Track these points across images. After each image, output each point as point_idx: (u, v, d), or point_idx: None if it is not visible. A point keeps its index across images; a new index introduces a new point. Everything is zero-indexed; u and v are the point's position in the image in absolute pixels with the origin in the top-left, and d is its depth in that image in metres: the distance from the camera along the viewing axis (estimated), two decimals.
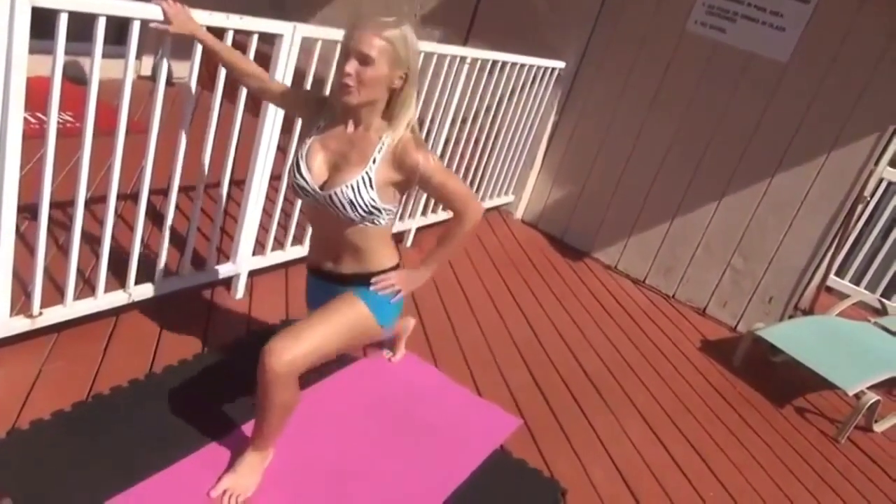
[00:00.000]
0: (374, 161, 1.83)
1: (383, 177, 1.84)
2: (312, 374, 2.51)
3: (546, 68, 4.39)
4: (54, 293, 2.29)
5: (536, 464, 2.51)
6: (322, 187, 1.87)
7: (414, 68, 1.82)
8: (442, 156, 3.85)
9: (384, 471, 2.23)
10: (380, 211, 1.87)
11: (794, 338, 3.73)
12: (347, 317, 1.93)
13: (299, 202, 2.72)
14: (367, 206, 1.83)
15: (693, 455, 2.91)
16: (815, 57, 3.90)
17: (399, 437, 2.40)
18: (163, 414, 2.15)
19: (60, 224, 2.79)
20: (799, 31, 3.92)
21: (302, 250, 3.10)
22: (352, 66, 1.74)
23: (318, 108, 1.98)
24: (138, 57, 4.60)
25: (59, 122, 2.00)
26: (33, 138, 2.11)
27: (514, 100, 4.34)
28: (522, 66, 4.13)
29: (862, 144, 3.86)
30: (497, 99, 4.17)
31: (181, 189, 2.49)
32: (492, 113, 4.27)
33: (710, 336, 4.16)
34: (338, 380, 2.59)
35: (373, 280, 1.97)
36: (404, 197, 2.09)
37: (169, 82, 2.32)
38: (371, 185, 1.82)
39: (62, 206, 2.75)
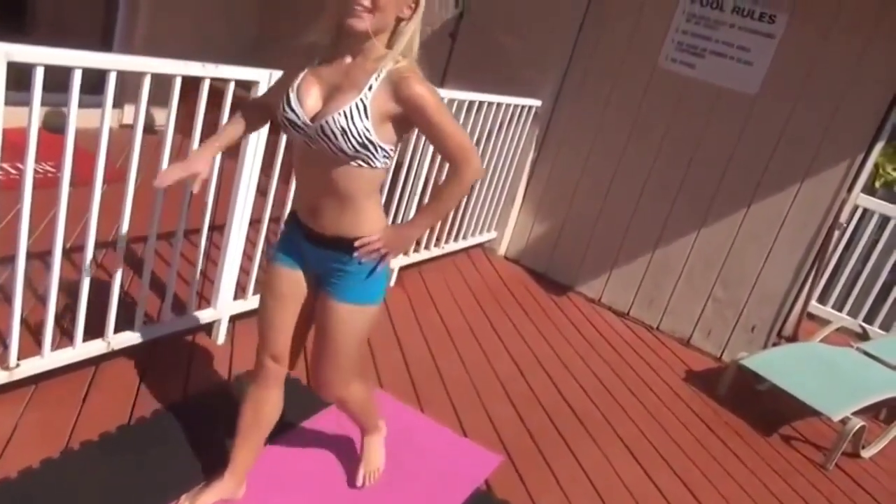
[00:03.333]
0: (369, 88, 1.67)
1: (379, 107, 1.67)
2: (290, 417, 2.51)
3: (523, 106, 4.47)
4: (33, 344, 2.28)
5: (521, 502, 2.50)
6: (313, 120, 1.72)
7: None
8: (422, 197, 3.89)
9: None
10: (374, 147, 1.70)
11: (777, 366, 3.75)
12: (351, 326, 1.91)
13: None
14: (360, 135, 1.67)
15: (679, 485, 2.90)
16: (782, 89, 4.00)
17: (376, 483, 2.37)
18: (139, 465, 2.12)
19: (40, 274, 2.79)
20: (766, 64, 4.03)
21: None
22: None
23: (308, 53, 1.82)
24: (120, 106, 4.69)
25: (40, 172, 2.01)
26: (12, 189, 2.13)
27: (494, 138, 4.41)
28: (500, 105, 4.21)
29: (833, 172, 3.94)
30: (479, 139, 4.24)
31: (161, 236, 2.51)
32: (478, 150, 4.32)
33: (694, 367, 4.17)
34: (314, 424, 2.57)
35: (357, 244, 1.81)
36: (400, 144, 1.85)
37: (150, 130, 2.35)
38: (366, 114, 1.67)
39: (41, 256, 2.75)
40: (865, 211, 5.02)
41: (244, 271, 2.94)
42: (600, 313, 4.60)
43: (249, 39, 5.65)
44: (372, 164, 1.74)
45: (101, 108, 2.11)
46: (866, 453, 3.58)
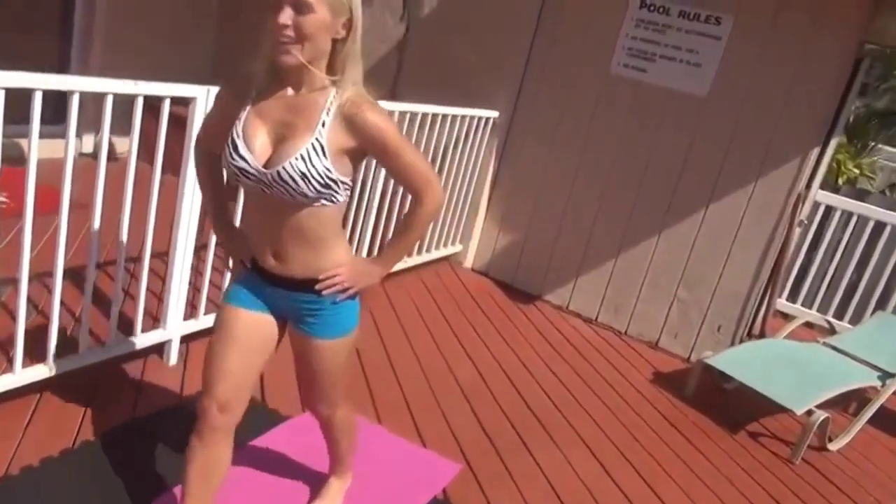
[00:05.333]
0: (322, 125, 1.58)
1: (336, 142, 1.60)
2: (243, 435, 2.48)
3: (480, 118, 4.51)
4: None
5: None
6: (266, 165, 1.61)
7: (357, 15, 1.59)
8: (380, 210, 3.90)
9: None
10: (336, 184, 1.63)
11: (741, 363, 3.76)
12: (335, 358, 1.87)
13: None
14: (322, 176, 1.59)
15: (639, 482, 2.90)
16: (732, 89, 4.06)
17: None
18: (80, 490, 2.10)
19: None
20: (714, 66, 4.09)
21: None
22: (287, 16, 1.50)
23: (244, 86, 1.69)
24: (79, 135, 4.69)
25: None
26: None
27: (453, 151, 4.44)
28: (455, 117, 4.24)
29: (786, 170, 3.99)
30: (436, 153, 4.27)
31: (107, 261, 2.50)
32: (435, 166, 4.35)
33: (662, 368, 4.17)
34: (269, 439, 2.55)
35: (321, 277, 1.73)
36: (360, 171, 1.80)
37: (112, 157, 2.37)
38: (324, 153, 1.58)
39: None
40: (829, 208, 5.06)
41: (196, 289, 2.93)
42: (567, 320, 4.60)
43: (206, 62, 5.66)
44: (334, 200, 1.67)
45: (66, 133, 2.11)
46: (834, 446, 3.58)
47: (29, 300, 2.81)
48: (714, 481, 3.04)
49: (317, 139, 1.58)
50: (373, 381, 3.17)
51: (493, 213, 4.95)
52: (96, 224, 2.40)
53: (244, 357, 1.82)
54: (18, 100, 2.02)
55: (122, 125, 2.38)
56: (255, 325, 1.83)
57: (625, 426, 3.35)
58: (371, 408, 2.95)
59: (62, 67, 5.10)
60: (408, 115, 3.77)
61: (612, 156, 4.46)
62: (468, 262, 5.05)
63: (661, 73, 4.25)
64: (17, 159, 2.34)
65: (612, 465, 2.96)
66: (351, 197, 3.60)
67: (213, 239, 2.88)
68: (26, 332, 2.61)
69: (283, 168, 1.58)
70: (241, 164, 1.63)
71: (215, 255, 2.93)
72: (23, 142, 2.27)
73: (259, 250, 1.77)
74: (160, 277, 3.10)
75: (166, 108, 2.45)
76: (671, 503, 2.79)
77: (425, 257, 4.59)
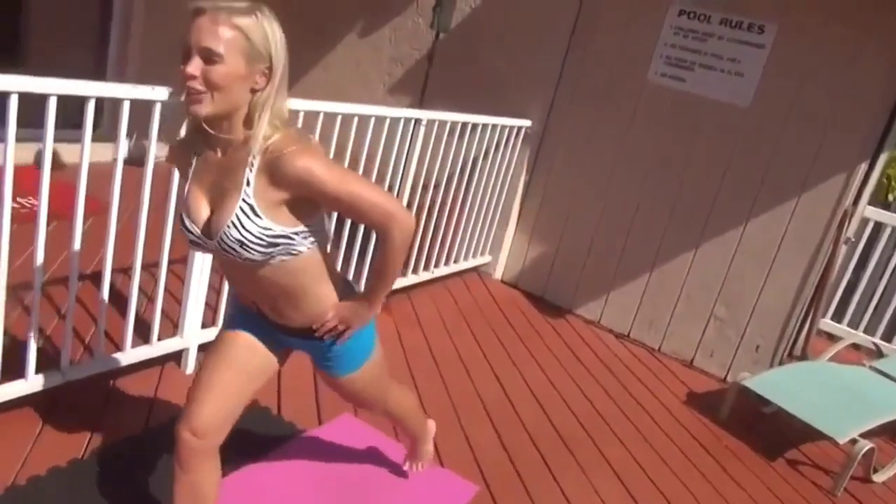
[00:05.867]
0: (247, 183, 1.46)
1: (267, 199, 1.47)
2: (254, 448, 2.43)
3: (511, 127, 4.41)
4: None
5: None
6: (209, 235, 1.54)
7: (278, 61, 1.46)
8: None
9: None
10: (287, 237, 1.50)
11: (780, 386, 3.58)
12: (362, 384, 1.91)
13: None
14: (261, 239, 1.47)
15: None
16: (775, 100, 3.89)
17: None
18: (88, 501, 2.05)
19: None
20: (757, 75, 3.92)
21: None
22: (195, 67, 1.39)
23: (187, 148, 1.62)
24: (113, 140, 4.72)
25: (22, 206, 2.02)
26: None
27: (485, 161, 4.35)
28: (485, 126, 4.15)
29: (831, 185, 3.80)
30: (466, 162, 4.18)
31: (124, 268, 2.47)
32: (465, 175, 4.27)
33: (697, 389, 4.01)
34: (282, 454, 2.48)
35: (315, 326, 1.68)
36: (324, 212, 1.65)
37: (139, 163, 2.37)
38: (256, 213, 1.47)
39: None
40: (878, 225, 4.83)
41: (216, 291, 2.89)
42: (599, 335, 4.46)
43: None
44: (296, 251, 1.54)
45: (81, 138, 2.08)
46: (879, 477, 3.38)
47: (45, 305, 2.84)
48: None
49: (243, 200, 1.47)
50: None
51: (524, 224, 4.84)
52: (112, 229, 2.36)
53: (234, 383, 1.74)
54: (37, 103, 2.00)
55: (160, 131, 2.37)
56: (253, 350, 1.78)
57: (655, 451, 3.20)
58: (389, 425, 2.86)
59: (97, 70, 5.15)
60: (437, 123, 3.70)
61: (648, 166, 4.32)
62: (498, 274, 4.95)
63: (701, 83, 4.10)
64: (53, 164, 2.34)
65: (640, 494, 2.81)
66: None
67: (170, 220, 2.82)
68: (41, 337, 2.60)
69: (222, 239, 1.50)
70: (188, 235, 1.57)
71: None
72: (59, 147, 2.26)
73: (259, 304, 1.71)
74: (179, 284, 3.07)
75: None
76: None
77: (453, 268, 4.50)
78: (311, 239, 1.57)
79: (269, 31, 1.44)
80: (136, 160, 2.45)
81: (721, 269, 4.16)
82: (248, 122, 1.48)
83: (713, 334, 4.23)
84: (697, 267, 4.23)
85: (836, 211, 3.81)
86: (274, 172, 1.45)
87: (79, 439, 2.31)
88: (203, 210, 1.55)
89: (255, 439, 2.49)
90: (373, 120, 3.21)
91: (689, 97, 4.14)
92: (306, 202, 1.51)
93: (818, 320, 4.36)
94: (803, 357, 4.28)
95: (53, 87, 1.96)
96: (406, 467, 2.50)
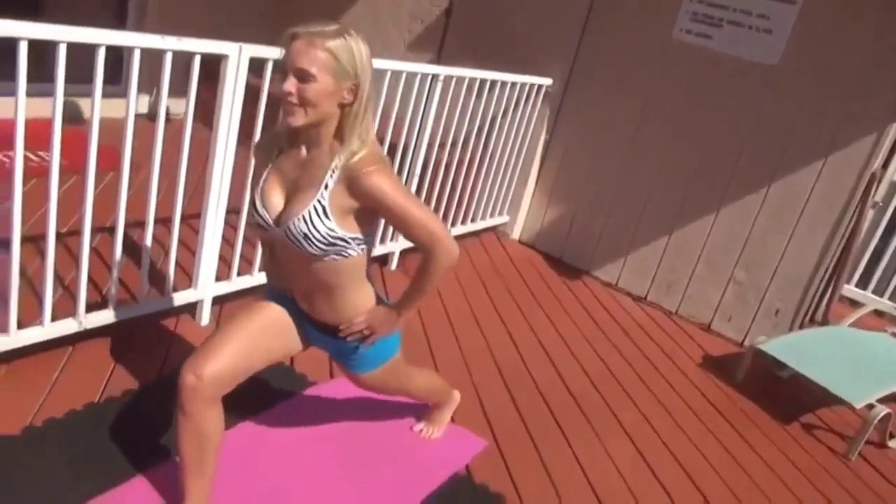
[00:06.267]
0: (325, 187, 1.64)
1: (339, 203, 1.65)
2: (264, 398, 2.46)
3: (532, 85, 4.33)
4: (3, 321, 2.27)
5: (503, 487, 2.38)
6: (278, 221, 1.71)
7: (364, 79, 1.62)
8: (422, 179, 3.79)
9: (333, 496, 2.13)
10: (344, 241, 1.68)
11: (798, 350, 3.54)
12: (384, 381, 2.10)
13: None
14: (325, 238, 1.65)
15: (682, 477, 2.74)
16: (804, 58, 3.77)
17: (353, 463, 2.30)
18: (100, 443, 2.09)
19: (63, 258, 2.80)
20: (786, 32, 3.80)
21: None
22: (291, 84, 1.57)
23: (271, 143, 1.81)
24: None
25: (42, 160, 2.06)
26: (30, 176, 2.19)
27: (504, 119, 4.29)
28: (505, 83, 4.07)
29: (859, 147, 3.69)
30: (485, 120, 4.13)
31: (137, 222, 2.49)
32: (483, 134, 4.22)
33: (713, 352, 3.97)
34: (291, 405, 2.51)
35: (342, 327, 1.85)
36: (379, 224, 1.90)
37: (167, 119, 2.39)
38: (326, 214, 1.64)
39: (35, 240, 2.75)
40: None
41: (229, 245, 2.90)
42: (616, 298, 4.43)
43: (264, 14, 5.58)
44: (347, 254, 1.72)
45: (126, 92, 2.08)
46: (895, 443, 3.34)
47: (64, 256, 2.87)
48: (761, 476, 2.87)
49: (318, 201, 1.65)
50: (406, 351, 3.09)
51: (543, 184, 4.78)
52: (124, 182, 2.37)
53: (250, 349, 1.82)
54: (76, 59, 2.04)
55: (180, 88, 2.39)
56: (280, 326, 1.90)
57: (669, 414, 3.18)
58: None
59: (119, 18, 5.15)
60: (454, 79, 3.63)
61: (671, 127, 4.23)
62: (515, 234, 4.92)
63: (728, 40, 3.97)
64: (75, 119, 2.36)
65: (653, 457, 2.80)
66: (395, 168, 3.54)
67: (246, 203, 2.84)
68: (59, 286, 2.64)
69: (288, 227, 1.67)
70: (259, 219, 1.75)
71: (248, 222, 2.90)
72: (81, 101, 2.26)
73: (294, 293, 1.87)
74: (194, 237, 3.09)
75: (196, 64, 2.39)
76: (714, 500, 2.63)
77: (470, 227, 4.47)
78: (363, 246, 1.75)
79: (356, 51, 1.60)
80: (155, 116, 2.43)
81: (742, 231, 4.09)
82: (338, 134, 1.66)
83: (732, 298, 4.18)
84: (718, 229, 4.16)
85: (863, 174, 3.71)
86: (352, 185, 1.64)
87: (94, 385, 2.35)
88: (276, 199, 1.72)
89: (265, 390, 2.52)
90: (388, 74, 3.17)
91: (714, 55, 4.02)
92: (369, 214, 1.70)
93: (841, 286, 4.28)
94: (824, 323, 4.21)
95: (62, 34, 1.95)
96: (418, 428, 2.53)
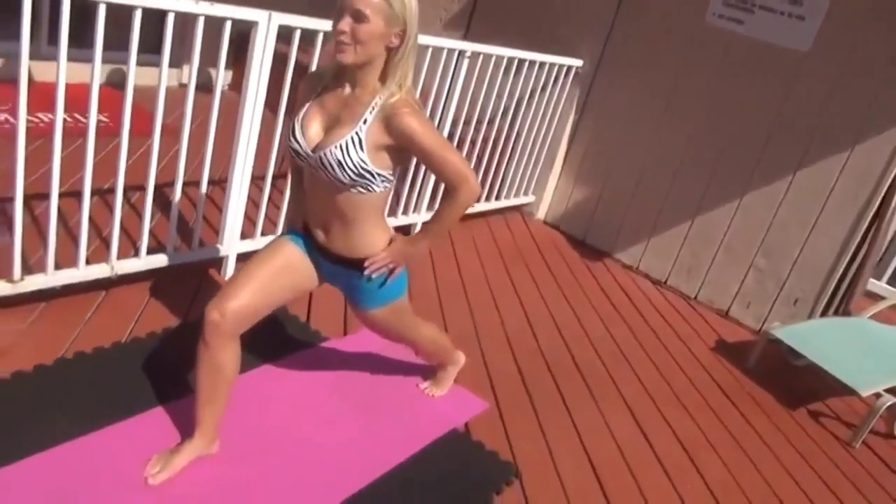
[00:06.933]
0: (364, 122, 1.79)
1: (374, 139, 1.79)
2: (277, 350, 2.61)
3: (562, 66, 4.37)
4: (42, 262, 2.46)
5: (499, 446, 2.48)
6: (314, 150, 1.84)
7: (411, 27, 1.76)
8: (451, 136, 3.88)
9: (330, 441, 2.27)
10: (372, 175, 1.82)
11: (810, 338, 3.55)
12: (388, 322, 2.19)
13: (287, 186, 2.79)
14: (356, 167, 1.79)
15: (678, 450, 2.81)
16: (836, 46, 3.74)
17: (355, 411, 2.44)
18: (124, 378, 2.27)
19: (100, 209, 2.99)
20: (819, 19, 3.77)
21: None
22: (346, 24, 1.71)
23: (315, 80, 1.95)
24: (179, 66, 4.91)
25: (96, 122, 2.30)
26: (74, 135, 2.42)
27: (532, 99, 4.35)
28: (533, 63, 4.13)
29: (888, 136, 3.66)
30: (513, 99, 4.19)
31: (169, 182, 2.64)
32: (511, 112, 4.29)
33: (728, 338, 4.00)
34: (302, 358, 2.66)
35: (366, 264, 1.97)
36: (407, 166, 2.01)
37: (206, 89, 2.56)
38: (361, 147, 1.78)
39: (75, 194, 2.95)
40: None
41: (254, 204, 3.05)
42: (636, 280, 4.47)
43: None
44: (371, 189, 1.86)
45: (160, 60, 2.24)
46: None
47: (101, 208, 3.07)
48: (760, 456, 2.91)
49: (356, 133, 1.78)
50: (418, 312, 3.20)
51: (570, 165, 4.83)
52: (156, 145, 2.53)
53: (270, 285, 1.96)
54: (121, 27, 2.23)
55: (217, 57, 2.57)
56: (296, 264, 2.04)
57: (674, 392, 3.24)
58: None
59: None
60: (481, 56, 3.71)
61: (699, 112, 4.24)
62: (540, 214, 4.99)
63: (760, 26, 3.96)
64: (119, 84, 2.54)
65: (652, 431, 2.87)
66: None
67: (272, 166, 2.99)
68: (96, 237, 2.83)
69: (324, 154, 1.80)
70: (295, 146, 1.87)
71: (272, 186, 3.05)
72: (125, 67, 2.43)
73: (313, 224, 2.01)
74: (222, 196, 3.25)
75: (227, 29, 2.53)
76: (710, 476, 2.69)
77: (495, 205, 4.56)
78: (386, 184, 1.89)
79: (407, 1, 1.74)
80: (198, 85, 2.60)
81: (765, 219, 4.09)
82: (382, 73, 1.81)
83: (752, 285, 4.19)
84: (741, 216, 4.17)
85: (891, 163, 3.67)
86: (388, 123, 1.78)
87: (122, 327, 2.54)
88: (314, 128, 1.86)
89: (280, 342, 2.67)
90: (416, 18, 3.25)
91: (745, 40, 4.01)
92: (400, 153, 1.85)
93: (866, 279, 4.24)
94: (845, 314, 4.19)
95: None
96: (423, 386, 2.66)
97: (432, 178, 3.83)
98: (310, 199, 1.99)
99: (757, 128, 4.04)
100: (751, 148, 4.07)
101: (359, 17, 1.70)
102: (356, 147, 1.78)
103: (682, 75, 4.27)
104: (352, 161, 1.78)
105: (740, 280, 4.22)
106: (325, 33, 2.72)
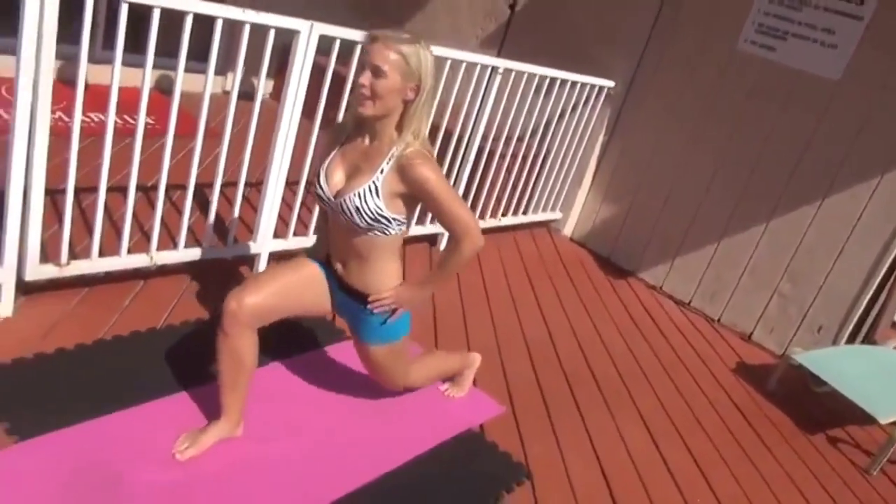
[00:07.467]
0: (381, 171, 1.92)
1: (390, 187, 1.93)
2: (305, 346, 2.72)
3: (593, 86, 4.46)
4: (88, 250, 2.61)
5: (512, 448, 2.55)
6: (336, 196, 1.99)
7: (426, 82, 1.89)
8: (474, 167, 3.99)
9: (351, 432, 2.36)
10: (387, 220, 1.96)
11: (831, 363, 3.55)
12: (384, 360, 2.27)
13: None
14: (372, 213, 1.93)
15: (690, 464, 2.84)
16: (867, 75, 3.77)
17: (374, 406, 2.52)
18: (157, 360, 2.40)
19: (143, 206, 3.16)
20: (851, 48, 3.81)
21: None
22: (366, 78, 1.85)
23: (338, 132, 2.10)
24: (223, 73, 5.11)
25: (149, 124, 2.50)
26: (122, 135, 2.60)
27: (563, 118, 4.44)
28: (565, 81, 4.22)
29: None
30: (543, 116, 4.28)
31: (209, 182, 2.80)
32: (541, 130, 4.38)
33: (749, 361, 4.01)
34: (328, 353, 2.76)
35: (370, 299, 2.09)
36: (416, 211, 2.19)
37: (248, 97, 2.76)
38: (377, 194, 1.92)
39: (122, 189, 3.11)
40: None
41: (288, 206, 3.18)
42: (659, 300, 4.51)
43: (354, 5, 5.85)
44: (386, 232, 2.00)
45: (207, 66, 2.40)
46: None
47: (144, 204, 3.23)
48: (774, 477, 2.93)
49: (373, 182, 1.93)
50: (440, 320, 3.29)
51: (598, 184, 4.90)
52: (199, 143, 2.67)
53: (288, 292, 2.10)
54: (172, 35, 2.40)
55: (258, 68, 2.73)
56: (316, 282, 2.18)
57: (690, 408, 3.27)
58: (432, 342, 3.09)
59: None
60: (513, 74, 3.81)
61: (728, 136, 4.28)
62: (567, 231, 5.05)
63: (792, 53, 4.01)
64: (166, 89, 2.72)
65: (666, 445, 2.91)
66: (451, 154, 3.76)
67: (306, 172, 3.12)
68: (138, 230, 2.98)
69: (345, 200, 1.95)
70: (319, 192, 2.04)
71: (306, 190, 3.18)
72: (171, 73, 2.59)
73: (334, 258, 2.16)
74: (258, 197, 3.39)
75: (271, 37, 2.67)
76: (721, 492, 2.71)
77: (522, 219, 4.64)
78: (401, 227, 2.03)
79: (423, 58, 1.88)
80: (239, 93, 2.77)
81: (791, 244, 4.10)
82: (399, 125, 1.95)
83: (775, 310, 4.19)
84: (766, 241, 4.19)
85: None
86: (402, 173, 1.92)
87: (158, 314, 2.67)
88: (337, 176, 2.02)
89: (305, 338, 2.78)
90: (448, 63, 3.38)
91: (777, 67, 4.06)
92: (413, 200, 1.99)
93: (892, 308, 4.22)
94: (870, 344, 4.17)
95: (158, 0, 2.25)
96: (443, 388, 2.74)
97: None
98: (332, 238, 2.15)
99: (786, 153, 4.07)
100: (779, 173, 4.10)
101: (378, 73, 1.83)
102: (373, 195, 1.92)
103: (713, 99, 4.32)
104: (368, 208, 1.92)
105: (764, 304, 4.23)
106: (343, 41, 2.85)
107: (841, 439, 3.41)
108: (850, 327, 3.98)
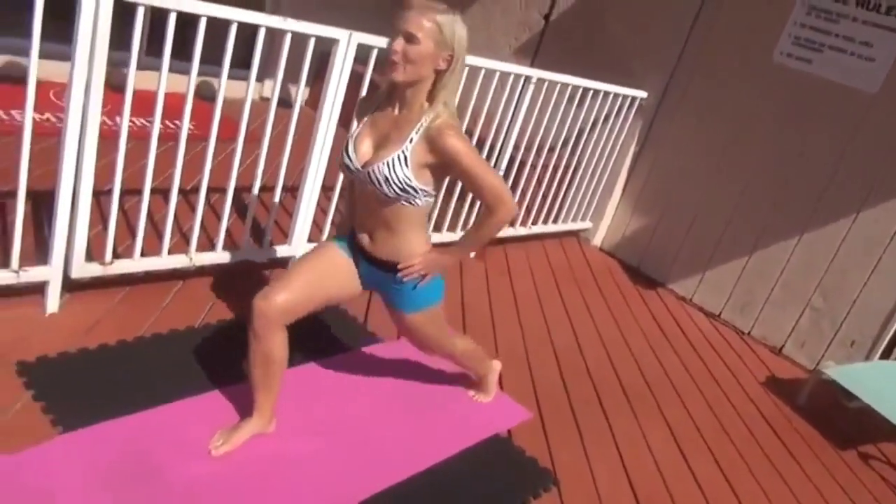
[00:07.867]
0: (410, 140, 1.91)
1: (419, 157, 1.92)
2: (339, 348, 2.78)
3: (626, 97, 4.47)
4: (130, 250, 2.70)
5: (539, 454, 2.57)
6: (364, 166, 1.98)
7: (459, 53, 1.90)
8: (506, 176, 4.02)
9: (380, 432, 2.40)
10: (415, 190, 1.95)
11: (865, 379, 3.50)
12: (423, 326, 2.27)
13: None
14: (401, 182, 1.92)
15: (717, 473, 2.83)
16: None
17: (404, 410, 2.56)
18: (194, 358, 2.47)
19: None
20: (890, 61, 3.77)
21: None
22: (399, 44, 1.84)
23: (370, 102, 2.11)
24: (261, 80, 5.22)
25: (181, 129, 2.57)
26: (163, 140, 2.67)
27: (595, 128, 4.45)
28: (597, 92, 4.24)
29: None
30: (575, 126, 4.30)
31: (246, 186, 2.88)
32: (572, 140, 4.41)
33: (779, 374, 3.97)
34: (361, 354, 2.82)
35: (400, 266, 2.09)
36: (444, 183, 2.17)
37: (286, 104, 2.85)
38: (406, 164, 1.91)
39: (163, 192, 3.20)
40: None
41: (322, 210, 3.25)
42: (688, 312, 4.49)
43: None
44: (413, 203, 1.99)
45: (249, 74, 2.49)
46: None
47: (184, 207, 3.33)
48: (803, 491, 2.90)
49: (402, 151, 1.92)
50: (469, 327, 3.33)
51: (629, 194, 4.90)
52: (239, 148, 2.75)
53: (315, 284, 2.11)
54: (207, 43, 2.47)
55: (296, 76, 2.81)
56: (341, 267, 2.18)
57: (717, 418, 3.26)
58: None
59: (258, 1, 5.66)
60: (546, 83, 3.85)
61: (762, 148, 4.26)
62: (597, 240, 5.06)
63: (828, 66, 3.98)
64: (206, 95, 2.80)
65: (692, 453, 2.91)
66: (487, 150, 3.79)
67: (341, 178, 3.19)
68: (178, 232, 3.07)
69: (373, 170, 1.94)
70: (346, 161, 2.03)
71: (340, 195, 3.24)
72: (215, 81, 2.68)
73: (360, 231, 2.15)
74: (293, 203, 3.46)
75: (311, 45, 2.74)
76: (746, 500, 2.71)
77: (552, 228, 4.66)
78: (428, 198, 2.02)
79: (457, 29, 1.89)
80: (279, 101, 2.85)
81: (824, 258, 4.06)
82: (430, 94, 1.94)
83: (807, 324, 4.15)
84: (799, 254, 4.15)
85: None
86: (432, 143, 1.91)
87: (196, 313, 2.75)
88: (365, 146, 2.02)
89: (337, 340, 2.84)
90: (482, 72, 3.43)
91: (812, 80, 4.04)
92: (442, 170, 1.99)
93: None
94: None
95: (203, 9, 2.33)
96: (471, 393, 2.78)
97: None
98: (359, 209, 2.14)
99: (821, 165, 4.04)
100: (813, 186, 4.07)
101: (411, 39, 1.84)
102: (401, 164, 1.92)
103: (746, 110, 4.31)
104: (397, 177, 1.92)
105: (796, 318, 4.19)
106: (380, 49, 2.89)
107: (872, 455, 3.36)
108: (885, 343, 3.93)
